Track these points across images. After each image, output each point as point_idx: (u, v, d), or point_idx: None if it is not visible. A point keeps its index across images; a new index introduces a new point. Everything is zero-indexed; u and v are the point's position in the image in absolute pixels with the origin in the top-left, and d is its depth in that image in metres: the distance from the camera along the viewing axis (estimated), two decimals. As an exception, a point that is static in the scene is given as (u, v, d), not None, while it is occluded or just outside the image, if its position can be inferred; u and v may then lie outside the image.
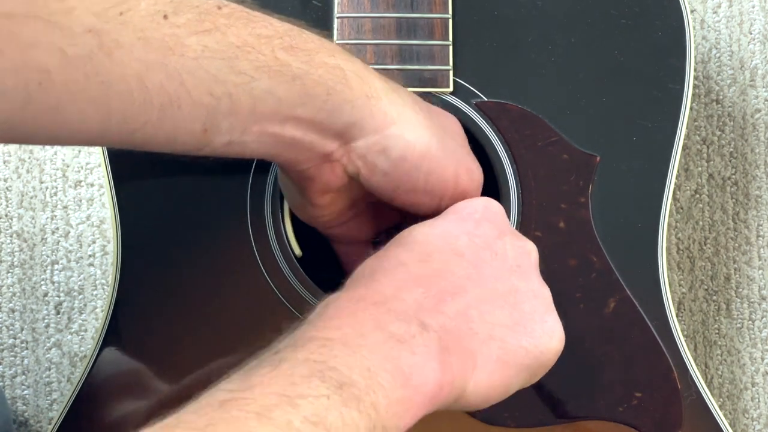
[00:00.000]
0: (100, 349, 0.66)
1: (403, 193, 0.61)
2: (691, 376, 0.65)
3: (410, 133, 0.60)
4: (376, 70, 0.63)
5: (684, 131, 0.68)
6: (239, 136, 0.56)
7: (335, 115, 0.58)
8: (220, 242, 0.66)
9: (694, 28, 0.87)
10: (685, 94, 0.67)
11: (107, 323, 0.66)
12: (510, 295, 0.56)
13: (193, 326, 0.65)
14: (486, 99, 0.67)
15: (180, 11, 0.53)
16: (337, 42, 0.67)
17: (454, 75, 0.67)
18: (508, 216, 0.66)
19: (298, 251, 0.67)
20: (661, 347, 0.65)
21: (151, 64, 0.52)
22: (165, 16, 0.53)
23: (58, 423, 0.65)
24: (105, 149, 0.66)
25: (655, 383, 0.64)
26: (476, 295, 0.55)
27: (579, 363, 0.65)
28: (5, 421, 0.74)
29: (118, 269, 0.66)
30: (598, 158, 0.67)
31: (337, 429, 0.47)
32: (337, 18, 0.68)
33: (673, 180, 0.67)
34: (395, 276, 0.55)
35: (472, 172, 0.63)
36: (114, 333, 0.66)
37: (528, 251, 0.59)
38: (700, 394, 0.65)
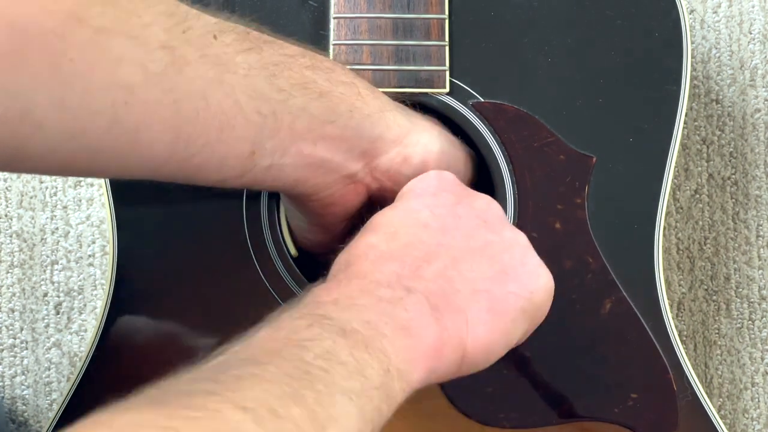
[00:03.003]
0: (96, 350, 0.66)
1: None
2: (687, 377, 0.65)
3: (424, 137, 0.62)
4: (373, 71, 0.64)
5: (680, 133, 0.67)
6: (279, 158, 0.57)
7: (359, 132, 0.59)
8: (216, 242, 0.67)
9: (693, 28, 0.87)
10: (681, 95, 0.67)
11: (103, 324, 0.66)
12: (486, 249, 0.57)
13: (189, 326, 0.66)
14: (482, 100, 0.67)
15: (224, 32, 0.54)
16: (334, 42, 0.67)
17: (450, 76, 0.67)
18: (504, 217, 0.67)
19: (293, 251, 0.67)
20: (657, 348, 0.65)
21: (211, 81, 0.53)
22: (215, 36, 0.54)
23: (54, 422, 0.65)
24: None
25: (651, 384, 0.64)
26: (450, 256, 0.56)
27: (574, 364, 0.65)
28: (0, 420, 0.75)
29: (114, 269, 0.67)
30: (594, 159, 0.67)
31: (352, 366, 0.47)
32: (334, 18, 0.68)
33: (670, 181, 0.67)
34: (368, 258, 0.55)
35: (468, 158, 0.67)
36: (110, 333, 0.66)
37: (488, 205, 0.60)
38: (696, 395, 0.65)
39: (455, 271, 0.55)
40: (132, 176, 0.55)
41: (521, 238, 0.59)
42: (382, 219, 0.58)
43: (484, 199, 0.61)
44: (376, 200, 0.64)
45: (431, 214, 0.58)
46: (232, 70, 0.54)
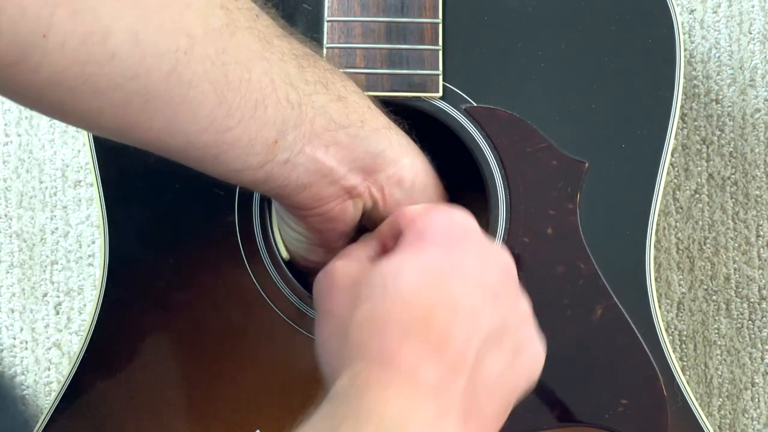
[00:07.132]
0: (87, 350, 0.66)
1: None
2: (677, 384, 0.65)
3: (417, 161, 0.62)
4: (366, 75, 0.64)
5: (673, 139, 0.67)
6: (295, 156, 0.57)
7: (365, 144, 0.60)
8: (207, 245, 0.67)
9: (693, 27, 0.87)
10: (674, 101, 0.67)
11: (94, 323, 0.67)
12: (504, 332, 0.54)
13: (180, 327, 0.66)
14: (475, 104, 0.67)
15: (261, 15, 0.56)
16: (327, 46, 0.67)
17: (443, 80, 0.67)
18: (497, 222, 0.66)
19: (285, 254, 0.67)
20: (648, 355, 0.65)
21: (255, 54, 0.54)
22: (257, 15, 0.55)
23: (45, 420, 0.66)
24: (93, 151, 0.67)
25: (641, 391, 0.64)
26: (477, 350, 0.52)
27: (565, 369, 0.65)
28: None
29: (106, 270, 0.67)
30: (586, 164, 0.66)
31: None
32: (327, 22, 0.68)
33: (662, 187, 0.67)
34: (407, 341, 0.50)
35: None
36: (101, 334, 0.66)
37: (507, 264, 0.56)
38: (687, 402, 0.65)
39: (481, 375, 0.52)
40: (169, 144, 0.54)
41: (527, 307, 0.57)
42: (407, 284, 0.52)
43: (502, 254, 0.57)
44: (367, 220, 0.64)
45: (459, 284, 0.53)
46: (270, 50, 0.55)
